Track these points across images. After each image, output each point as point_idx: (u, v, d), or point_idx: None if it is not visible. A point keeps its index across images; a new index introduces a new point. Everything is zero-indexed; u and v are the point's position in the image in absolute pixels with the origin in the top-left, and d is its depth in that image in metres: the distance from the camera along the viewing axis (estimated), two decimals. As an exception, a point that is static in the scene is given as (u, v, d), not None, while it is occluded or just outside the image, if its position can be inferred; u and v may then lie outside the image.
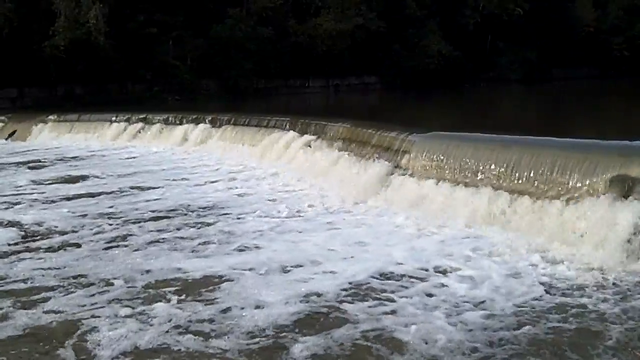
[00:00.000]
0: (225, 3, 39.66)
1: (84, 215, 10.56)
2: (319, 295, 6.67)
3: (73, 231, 9.55)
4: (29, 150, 20.72)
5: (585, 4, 58.39)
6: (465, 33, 50.71)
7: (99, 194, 12.58)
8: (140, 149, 19.91)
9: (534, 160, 8.89)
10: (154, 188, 13.14)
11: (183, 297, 6.72)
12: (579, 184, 8.17)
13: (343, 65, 43.79)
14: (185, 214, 10.63)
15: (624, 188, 7.62)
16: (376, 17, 44.09)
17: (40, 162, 17.88)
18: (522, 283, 6.83)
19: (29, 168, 16.82)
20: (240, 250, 8.44)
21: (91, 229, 9.63)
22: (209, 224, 9.87)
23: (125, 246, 8.68)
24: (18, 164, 17.65)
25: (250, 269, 7.59)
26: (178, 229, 9.58)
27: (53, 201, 11.94)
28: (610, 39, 58.70)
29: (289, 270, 7.56)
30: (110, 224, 9.93)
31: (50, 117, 24.66)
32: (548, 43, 54.06)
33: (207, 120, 20.26)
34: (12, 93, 32.30)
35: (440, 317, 6.05)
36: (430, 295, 6.63)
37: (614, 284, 6.68)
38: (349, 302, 6.47)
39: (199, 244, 8.76)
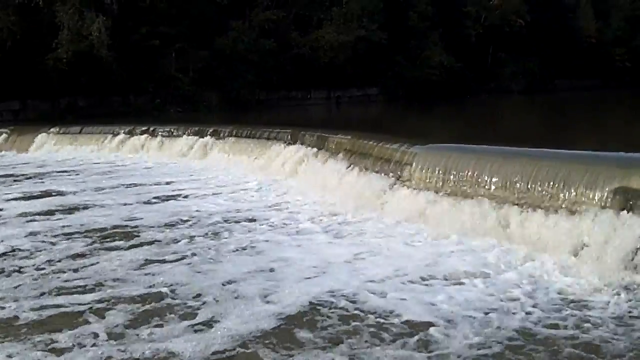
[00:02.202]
0: (227, 15, 39.82)
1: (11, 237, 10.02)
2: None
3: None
4: (23, 163, 20.61)
5: (587, 15, 58.60)
6: (467, 44, 50.89)
7: (56, 211, 12.11)
8: (139, 162, 19.88)
9: (536, 172, 8.87)
10: (128, 204, 12.75)
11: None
12: (580, 196, 8.14)
13: (345, 77, 43.91)
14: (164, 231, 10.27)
15: (626, 200, 7.59)
16: (378, 29, 44.23)
17: (29, 175, 17.69)
18: (520, 297, 6.78)
19: (15, 181, 16.66)
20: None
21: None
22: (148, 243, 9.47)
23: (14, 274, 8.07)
24: (6, 176, 17.54)
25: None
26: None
27: (4, 219, 11.53)
28: (612, 49, 58.84)
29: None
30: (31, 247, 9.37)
31: (53, 129, 24.73)
32: (550, 54, 54.22)
33: (209, 132, 20.27)
34: (15, 105, 32.39)
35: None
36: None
37: (615, 297, 6.63)
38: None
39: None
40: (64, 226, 10.71)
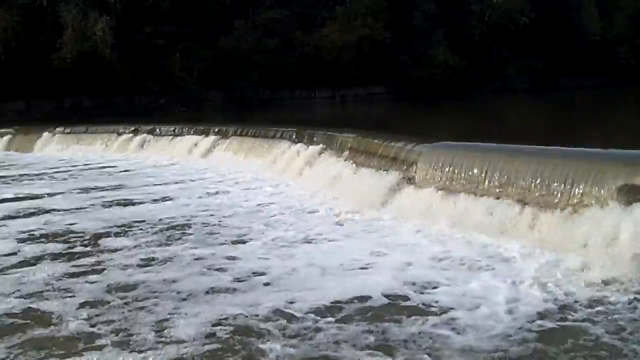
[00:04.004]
0: (231, 15, 39.88)
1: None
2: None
3: None
4: (22, 164, 20.55)
5: (591, 13, 58.52)
6: (472, 43, 50.87)
7: (19, 216, 11.76)
8: (141, 162, 19.80)
9: (541, 170, 8.84)
10: (106, 207, 12.48)
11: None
12: (586, 193, 8.11)
13: (349, 76, 43.91)
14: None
15: (631, 197, 7.56)
16: (382, 28, 44.24)
17: (17, 176, 17.51)
18: (529, 293, 6.75)
19: (3, 183, 16.46)
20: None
21: None
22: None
23: None
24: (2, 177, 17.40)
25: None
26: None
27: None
28: (616, 47, 58.75)
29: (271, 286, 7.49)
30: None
31: (57, 129, 24.78)
32: (554, 52, 54.16)
33: (213, 132, 20.26)
34: (20, 105, 32.51)
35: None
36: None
37: (622, 294, 6.61)
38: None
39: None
40: (17, 232, 10.38)
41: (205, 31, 37.85)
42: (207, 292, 7.12)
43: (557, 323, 6.02)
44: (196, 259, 8.46)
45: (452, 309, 6.41)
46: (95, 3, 33.36)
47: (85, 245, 9.45)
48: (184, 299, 6.94)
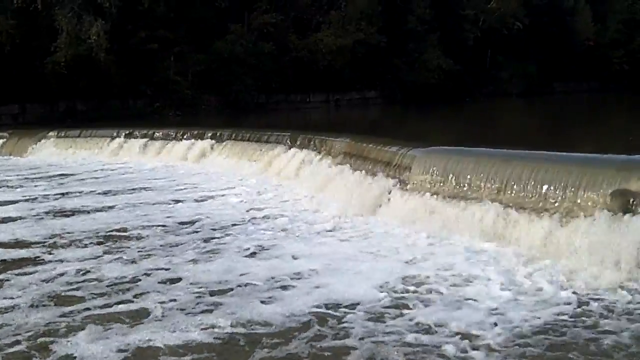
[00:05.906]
0: (226, 19, 39.81)
1: None
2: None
3: None
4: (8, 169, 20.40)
5: (584, 18, 58.61)
6: (465, 47, 50.89)
7: None
8: (135, 166, 19.67)
9: (535, 175, 8.88)
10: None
11: None
12: (579, 199, 8.15)
13: (344, 80, 43.90)
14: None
15: (625, 203, 7.59)
16: (376, 32, 44.24)
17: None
18: (523, 302, 6.76)
19: None
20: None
21: None
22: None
23: None
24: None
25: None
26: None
27: None
28: (610, 52, 58.89)
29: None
30: None
31: (51, 133, 24.70)
32: (548, 57, 54.26)
33: (208, 136, 20.25)
34: (14, 109, 32.36)
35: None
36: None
37: (617, 300, 6.63)
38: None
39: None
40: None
41: (199, 35, 37.78)
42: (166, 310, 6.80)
43: (546, 332, 6.02)
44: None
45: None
46: (90, 7, 33.23)
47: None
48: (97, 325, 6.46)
